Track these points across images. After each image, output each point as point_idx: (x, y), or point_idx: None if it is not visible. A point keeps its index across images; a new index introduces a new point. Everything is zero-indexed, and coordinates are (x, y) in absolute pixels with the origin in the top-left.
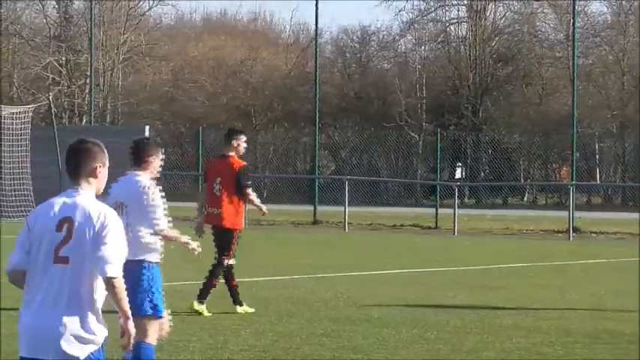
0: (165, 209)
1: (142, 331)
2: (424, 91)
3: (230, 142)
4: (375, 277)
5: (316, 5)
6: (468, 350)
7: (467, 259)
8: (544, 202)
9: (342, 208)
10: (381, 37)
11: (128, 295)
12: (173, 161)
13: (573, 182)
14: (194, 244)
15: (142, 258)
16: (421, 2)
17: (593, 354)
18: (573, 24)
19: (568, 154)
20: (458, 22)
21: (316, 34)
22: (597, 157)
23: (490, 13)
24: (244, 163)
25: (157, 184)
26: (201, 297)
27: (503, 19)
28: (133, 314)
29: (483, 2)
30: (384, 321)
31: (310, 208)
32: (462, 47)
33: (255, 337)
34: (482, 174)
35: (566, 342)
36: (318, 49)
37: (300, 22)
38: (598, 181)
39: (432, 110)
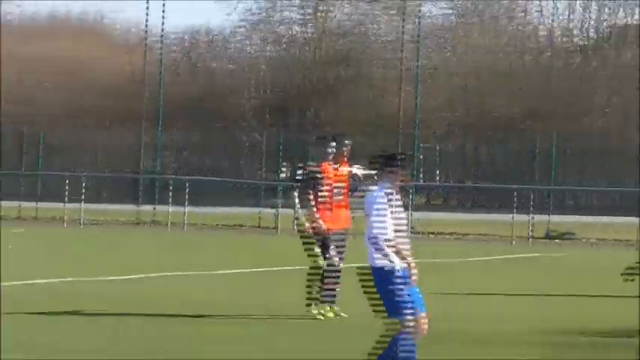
0: None
1: None
2: (267, 92)
3: None
4: (213, 277)
5: (161, 7)
6: (305, 350)
7: (307, 259)
8: None
9: (183, 208)
10: (225, 36)
11: None
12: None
13: (413, 183)
14: None
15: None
16: (266, 3)
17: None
18: (419, 25)
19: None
20: (298, 23)
21: (162, 34)
22: (438, 159)
23: (327, 15)
24: None
25: None
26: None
27: (344, 20)
28: None
29: (321, 5)
30: (215, 319)
31: (151, 207)
32: (306, 48)
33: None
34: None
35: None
36: (160, 49)
37: (143, 22)
38: (437, 182)
39: (275, 111)
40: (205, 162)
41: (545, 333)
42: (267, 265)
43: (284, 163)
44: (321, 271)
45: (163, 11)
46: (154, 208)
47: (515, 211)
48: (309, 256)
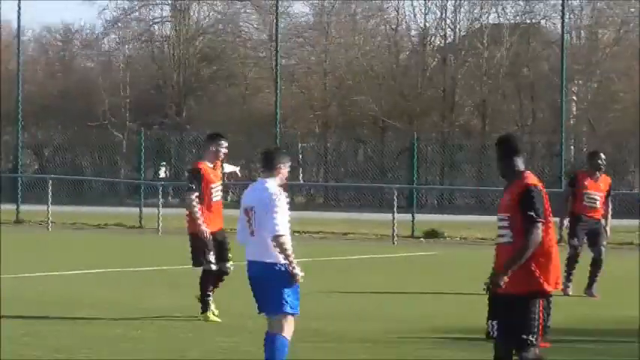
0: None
1: (279, 327)
2: (128, 90)
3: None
4: (80, 277)
5: (18, 3)
6: (173, 349)
7: (172, 258)
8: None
9: (45, 207)
10: (84, 35)
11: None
12: None
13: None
14: (299, 270)
15: (273, 261)
16: (125, 1)
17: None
18: (277, 24)
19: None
20: (162, 21)
21: (19, 32)
22: (300, 156)
23: (194, 13)
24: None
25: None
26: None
27: (207, 18)
28: (271, 312)
29: (187, 2)
30: (88, 320)
31: (13, 207)
32: (166, 46)
33: None
34: (185, 174)
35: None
36: (20, 47)
37: (2, 19)
38: (301, 181)
39: (136, 109)
40: (67, 161)
41: (402, 332)
42: (135, 265)
43: (163, 163)
44: (213, 276)
45: (19, 7)
46: (17, 208)
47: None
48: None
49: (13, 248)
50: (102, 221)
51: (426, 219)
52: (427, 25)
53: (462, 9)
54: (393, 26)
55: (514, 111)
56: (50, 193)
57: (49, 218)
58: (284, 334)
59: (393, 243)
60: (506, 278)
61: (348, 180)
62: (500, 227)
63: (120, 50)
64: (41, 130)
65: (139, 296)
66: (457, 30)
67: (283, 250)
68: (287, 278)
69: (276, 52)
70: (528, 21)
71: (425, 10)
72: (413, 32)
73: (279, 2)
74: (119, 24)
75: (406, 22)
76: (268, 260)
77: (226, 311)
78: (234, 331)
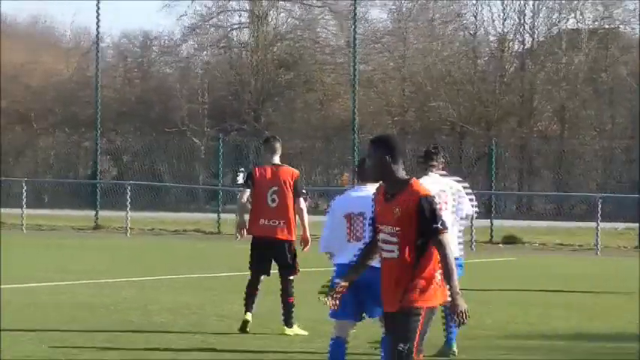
0: None
1: None
2: (206, 96)
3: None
4: (157, 283)
5: (97, 9)
6: (252, 356)
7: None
8: (325, 207)
9: (124, 213)
10: (163, 42)
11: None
12: None
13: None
14: None
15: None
16: (203, 8)
17: None
18: (354, 30)
19: (349, 160)
20: (240, 27)
21: (97, 37)
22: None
23: (272, 19)
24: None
25: None
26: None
27: (285, 24)
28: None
29: (265, 8)
30: (167, 327)
31: (92, 213)
32: (244, 53)
33: (35, 343)
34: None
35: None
36: (99, 54)
37: (81, 26)
38: None
39: (214, 115)
40: (145, 167)
41: None
42: (213, 270)
43: (241, 169)
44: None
45: (98, 14)
46: (96, 214)
47: None
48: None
49: (92, 254)
50: (180, 227)
51: (505, 225)
52: (505, 30)
53: (540, 14)
54: (471, 32)
55: (593, 116)
56: (129, 199)
57: (127, 224)
58: None
59: (472, 249)
60: (460, 298)
61: None
62: (385, 242)
63: (198, 57)
64: (119, 136)
65: (217, 302)
66: (535, 35)
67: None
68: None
69: (353, 58)
70: (607, 26)
71: (503, 15)
72: (491, 38)
73: (357, 8)
74: (197, 30)
75: (484, 27)
76: (378, 265)
77: (299, 317)
78: (312, 337)
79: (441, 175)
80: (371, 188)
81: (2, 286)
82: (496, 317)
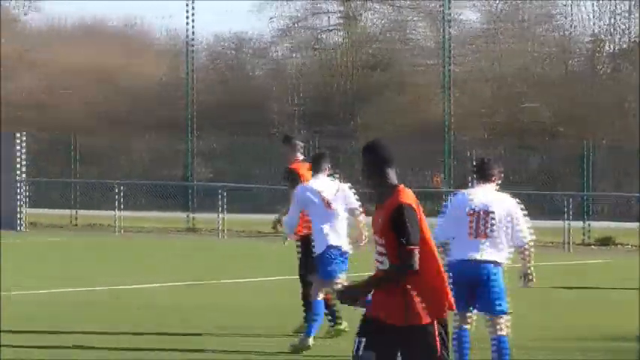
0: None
1: (501, 327)
2: (298, 99)
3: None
4: (250, 285)
5: (190, 12)
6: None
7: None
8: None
9: (218, 216)
10: (255, 44)
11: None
12: (46, 168)
13: (449, 189)
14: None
15: (502, 261)
16: (294, 10)
17: None
18: (444, 31)
19: (442, 161)
20: (331, 29)
21: (189, 40)
22: (471, 164)
23: (364, 21)
24: None
25: None
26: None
27: (377, 26)
28: (494, 312)
29: (357, 10)
30: (254, 329)
31: (185, 215)
32: (336, 54)
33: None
34: (358, 181)
35: None
36: (191, 56)
37: (173, 28)
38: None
39: (307, 117)
40: (238, 169)
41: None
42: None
43: (337, 170)
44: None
45: (193, 14)
46: (189, 216)
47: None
48: None
49: (185, 257)
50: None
51: (599, 226)
52: (599, 31)
53: (635, 15)
54: (564, 32)
55: None
56: (223, 202)
57: (221, 226)
58: (506, 334)
59: (568, 250)
60: (361, 296)
61: (519, 187)
62: (377, 252)
63: (290, 58)
64: (213, 138)
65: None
66: (630, 36)
67: (530, 255)
68: (502, 280)
69: (444, 60)
70: None
71: (596, 16)
72: (585, 38)
73: (449, 9)
74: (289, 32)
75: (577, 28)
76: (499, 260)
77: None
78: None
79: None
80: (490, 187)
81: (100, 288)
82: (586, 318)
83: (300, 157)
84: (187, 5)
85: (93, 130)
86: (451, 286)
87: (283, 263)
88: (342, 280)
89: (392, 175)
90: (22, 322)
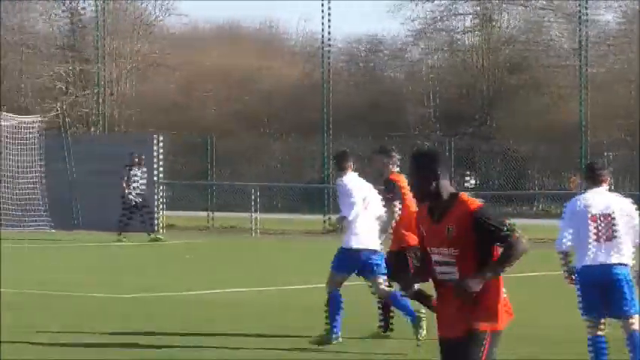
0: None
1: (637, 326)
2: (434, 100)
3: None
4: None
5: (326, 14)
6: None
7: None
8: (557, 211)
9: None
10: (390, 45)
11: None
12: (182, 171)
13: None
14: None
15: (628, 263)
16: (430, 12)
17: None
18: (579, 32)
19: (578, 163)
20: (467, 31)
21: (325, 41)
22: (608, 165)
23: (500, 22)
24: None
25: None
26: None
27: (514, 28)
28: (628, 313)
29: (494, 11)
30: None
31: (322, 217)
32: (473, 56)
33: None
34: (493, 182)
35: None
36: (327, 58)
37: (309, 31)
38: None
39: (443, 119)
40: (373, 171)
41: None
42: None
43: (471, 172)
44: None
45: (329, 16)
46: (329, 218)
47: None
48: None
49: (322, 258)
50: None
51: None
52: None
53: None
54: None
55: None
56: None
57: None
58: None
59: None
60: (479, 284)
61: None
62: (440, 264)
63: (426, 60)
64: (347, 140)
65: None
66: None
67: None
68: (631, 281)
69: (581, 60)
70: None
71: None
72: None
73: (586, 10)
74: (425, 34)
75: None
76: (626, 262)
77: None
78: (534, 340)
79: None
80: (603, 190)
81: (249, 289)
82: None
83: (396, 168)
84: (323, 5)
85: (229, 133)
86: (579, 292)
87: None
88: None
89: (449, 184)
90: (203, 324)
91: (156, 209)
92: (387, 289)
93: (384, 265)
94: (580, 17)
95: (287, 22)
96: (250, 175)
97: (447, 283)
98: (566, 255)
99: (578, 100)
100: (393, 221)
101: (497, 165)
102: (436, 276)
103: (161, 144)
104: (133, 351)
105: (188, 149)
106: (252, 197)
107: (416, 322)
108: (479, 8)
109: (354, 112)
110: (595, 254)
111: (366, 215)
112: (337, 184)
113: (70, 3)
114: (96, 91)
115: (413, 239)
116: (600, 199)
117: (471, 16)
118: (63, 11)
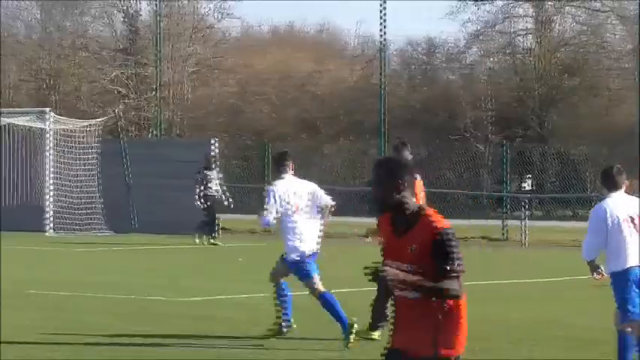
0: None
1: None
2: (490, 103)
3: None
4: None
5: (382, 17)
6: None
7: (536, 271)
8: None
9: None
10: (446, 48)
11: None
12: (239, 174)
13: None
14: None
15: None
16: (487, 14)
17: None
18: (639, 35)
19: (636, 166)
20: (524, 33)
21: (382, 45)
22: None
23: (556, 25)
24: None
25: None
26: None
27: (570, 30)
28: None
29: (550, 14)
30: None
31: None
32: (529, 59)
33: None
34: (549, 185)
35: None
36: (384, 61)
37: (365, 34)
38: None
39: (498, 122)
40: (430, 174)
41: None
42: (499, 277)
43: (528, 175)
44: None
45: (384, 19)
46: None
47: None
48: None
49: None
50: (466, 234)
51: None
52: None
53: None
54: None
55: None
56: None
57: None
58: None
59: None
60: (403, 277)
61: None
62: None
63: (482, 63)
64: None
65: (502, 309)
66: None
67: None
68: None
69: (638, 63)
70: None
71: None
72: None
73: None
74: (482, 37)
75: None
76: None
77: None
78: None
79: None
80: (623, 194)
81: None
82: None
83: None
84: (381, 6)
85: (284, 136)
86: (627, 295)
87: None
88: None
89: (411, 195)
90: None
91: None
92: (320, 288)
93: (316, 265)
94: (639, 19)
95: (343, 25)
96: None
97: (408, 300)
98: (592, 262)
99: (634, 102)
100: None
101: (552, 167)
102: (391, 288)
103: (216, 149)
104: (184, 351)
105: (244, 152)
106: None
107: (347, 329)
108: (536, 10)
109: (409, 114)
110: (633, 256)
111: (301, 218)
112: (267, 189)
113: (125, 5)
114: (153, 94)
115: None
116: (623, 202)
117: (528, 18)
118: (119, 13)
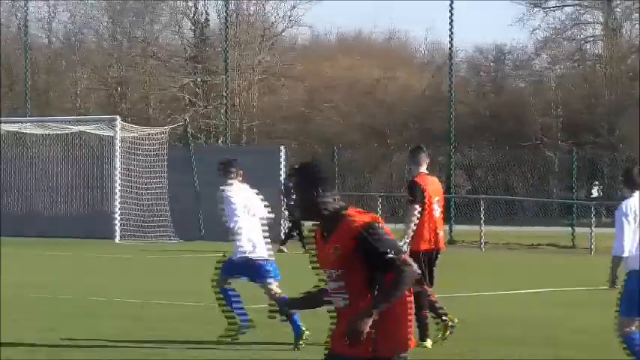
0: None
1: None
2: (560, 110)
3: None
4: (510, 297)
5: (450, 24)
6: None
7: (604, 279)
8: None
9: (478, 228)
10: (515, 55)
11: None
12: None
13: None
14: None
15: None
16: (556, 21)
17: None
18: None
19: None
20: (593, 40)
21: (451, 52)
22: None
23: (626, 31)
24: None
25: None
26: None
27: (638, 36)
28: None
29: (619, 20)
30: (520, 341)
31: (445, 227)
32: (598, 65)
33: None
34: (618, 193)
35: None
36: (452, 69)
37: (434, 41)
38: None
39: (568, 129)
40: (499, 181)
41: None
42: (567, 284)
43: (595, 182)
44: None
45: (452, 27)
46: (450, 228)
47: None
48: None
49: (445, 268)
50: (534, 241)
51: None
52: None
53: None
54: None
55: None
56: (483, 214)
57: (482, 238)
58: None
59: None
60: (369, 321)
61: None
62: (332, 289)
63: (552, 70)
64: (472, 150)
65: (572, 316)
66: None
67: None
68: None
69: None
70: None
71: None
72: None
73: None
74: (551, 44)
75: None
76: None
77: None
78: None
79: None
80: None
81: None
82: None
83: (423, 169)
84: (450, 12)
85: (353, 143)
86: (630, 293)
87: (546, 275)
88: None
89: (334, 198)
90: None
91: (282, 221)
92: (277, 294)
93: (273, 270)
94: None
95: (413, 33)
96: (374, 185)
97: (343, 310)
98: (621, 261)
99: None
100: (412, 224)
101: (622, 174)
102: (330, 298)
103: (284, 156)
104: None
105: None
106: (379, 206)
107: (299, 336)
108: (605, 16)
109: (480, 122)
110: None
111: (254, 223)
112: (222, 195)
113: (193, 13)
114: (223, 102)
115: (425, 244)
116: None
117: (597, 25)
118: (189, 21)
